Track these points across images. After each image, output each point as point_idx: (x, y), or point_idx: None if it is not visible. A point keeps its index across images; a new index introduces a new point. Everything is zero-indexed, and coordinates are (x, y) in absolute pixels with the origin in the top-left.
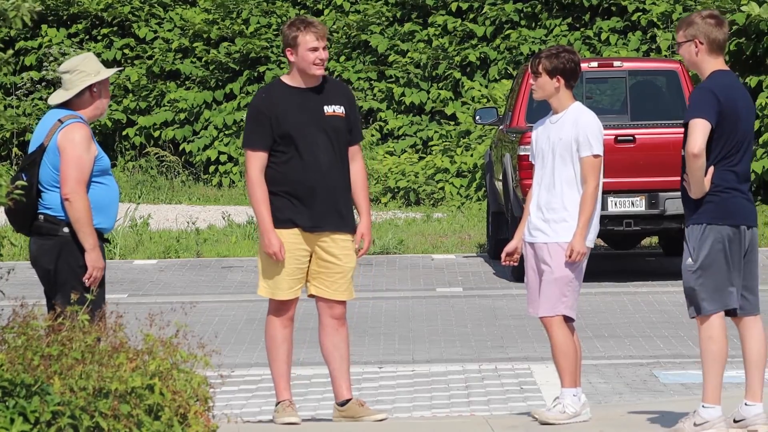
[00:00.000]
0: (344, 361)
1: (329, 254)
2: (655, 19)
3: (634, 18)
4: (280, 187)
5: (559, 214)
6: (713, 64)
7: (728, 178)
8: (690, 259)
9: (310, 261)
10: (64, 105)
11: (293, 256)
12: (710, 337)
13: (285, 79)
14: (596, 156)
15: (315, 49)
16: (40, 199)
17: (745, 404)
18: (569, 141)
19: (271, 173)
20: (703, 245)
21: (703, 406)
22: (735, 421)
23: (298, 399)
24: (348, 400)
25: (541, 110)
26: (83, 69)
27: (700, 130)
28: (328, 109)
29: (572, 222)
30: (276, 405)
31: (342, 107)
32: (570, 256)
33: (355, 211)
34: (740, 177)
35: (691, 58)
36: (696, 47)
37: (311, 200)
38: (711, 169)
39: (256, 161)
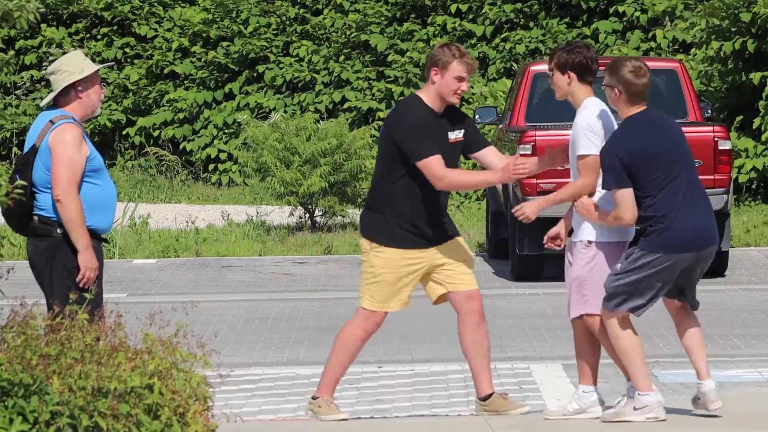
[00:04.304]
0: (485, 358)
1: (444, 255)
2: (658, 15)
3: (632, 18)
4: (402, 206)
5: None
6: (629, 110)
7: (662, 207)
8: (618, 265)
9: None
10: (55, 106)
11: (411, 272)
12: (617, 336)
13: (423, 97)
14: (581, 156)
15: (461, 80)
16: (34, 200)
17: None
18: (569, 139)
19: (397, 189)
20: (634, 265)
21: (639, 394)
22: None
23: (297, 399)
24: (490, 395)
25: (540, 110)
26: (66, 69)
27: (626, 200)
28: (452, 135)
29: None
30: (314, 399)
31: (462, 131)
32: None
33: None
34: (672, 204)
35: (611, 102)
36: (616, 95)
37: (427, 223)
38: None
39: (440, 162)
